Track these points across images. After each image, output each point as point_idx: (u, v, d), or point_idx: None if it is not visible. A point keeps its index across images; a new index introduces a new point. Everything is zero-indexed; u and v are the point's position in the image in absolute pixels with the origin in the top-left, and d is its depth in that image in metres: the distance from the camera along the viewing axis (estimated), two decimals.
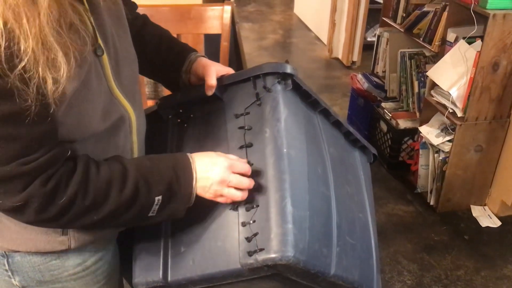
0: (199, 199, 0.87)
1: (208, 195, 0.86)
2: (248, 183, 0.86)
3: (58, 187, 0.74)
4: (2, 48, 0.62)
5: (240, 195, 0.85)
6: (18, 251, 0.87)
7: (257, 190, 0.88)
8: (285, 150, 0.89)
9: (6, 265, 0.88)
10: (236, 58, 3.19)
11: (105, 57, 0.82)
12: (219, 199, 0.87)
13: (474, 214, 2.44)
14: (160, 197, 0.82)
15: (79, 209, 0.76)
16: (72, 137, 0.78)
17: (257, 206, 0.86)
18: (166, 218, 0.87)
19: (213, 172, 0.85)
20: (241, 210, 0.88)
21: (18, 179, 0.71)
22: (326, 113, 1.12)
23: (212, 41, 2.17)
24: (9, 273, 0.89)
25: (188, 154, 0.88)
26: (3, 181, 0.70)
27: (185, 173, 0.85)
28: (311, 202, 0.90)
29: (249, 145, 0.92)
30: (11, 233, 0.85)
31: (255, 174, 0.89)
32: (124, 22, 0.92)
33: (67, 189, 0.75)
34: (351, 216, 1.07)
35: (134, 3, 1.09)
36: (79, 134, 0.79)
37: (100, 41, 0.80)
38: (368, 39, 4.32)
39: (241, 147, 0.93)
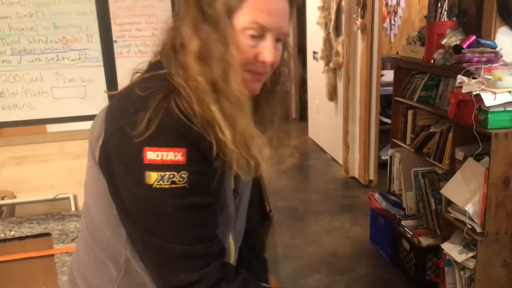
0: None
1: None
2: None
3: (228, 275, 0.86)
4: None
5: None
6: None
7: None
8: None
9: None
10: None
11: None
12: None
13: None
14: None
15: None
16: None
17: None
18: None
19: None
20: None
21: (202, 257, 0.84)
22: None
23: None
24: None
25: None
26: (190, 258, 0.83)
27: None
28: None
29: None
30: None
31: None
32: None
33: (232, 283, 0.86)
34: None
35: None
36: None
37: None
38: (383, 157, 4.45)
39: None
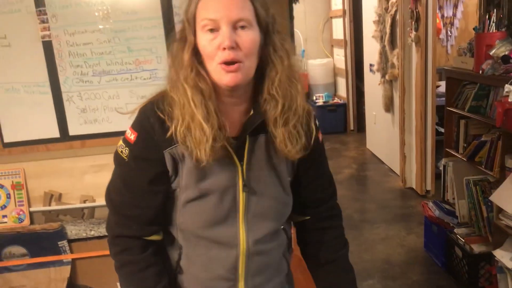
0: None
1: None
2: None
3: (130, 249, 1.18)
4: None
5: None
6: None
7: None
8: None
9: None
10: None
11: None
12: None
13: None
14: None
15: None
16: None
17: None
18: None
19: None
20: None
21: (119, 218, 1.17)
22: None
23: None
24: None
25: None
26: (111, 213, 1.17)
27: None
28: None
29: None
30: None
31: None
32: None
33: (128, 254, 1.17)
34: None
35: None
36: None
37: None
38: (440, 168, 4.44)
39: None
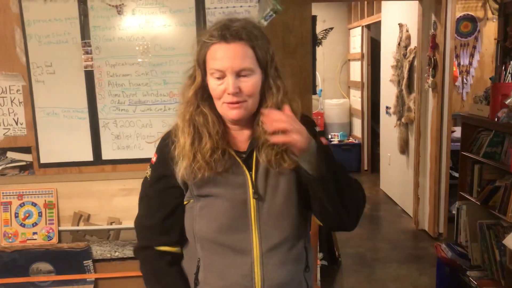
0: None
1: None
2: None
3: (145, 259, 1.37)
4: None
5: None
6: None
7: None
8: None
9: None
10: (326, 231, 3.55)
11: None
12: None
13: None
14: None
15: None
16: None
17: None
18: None
19: None
20: None
21: (142, 231, 1.38)
22: None
23: None
24: None
25: None
26: (139, 228, 1.38)
27: None
28: None
29: None
30: None
31: None
32: None
33: (143, 265, 1.36)
34: None
35: None
36: None
37: None
38: (453, 212, 4.49)
39: None
